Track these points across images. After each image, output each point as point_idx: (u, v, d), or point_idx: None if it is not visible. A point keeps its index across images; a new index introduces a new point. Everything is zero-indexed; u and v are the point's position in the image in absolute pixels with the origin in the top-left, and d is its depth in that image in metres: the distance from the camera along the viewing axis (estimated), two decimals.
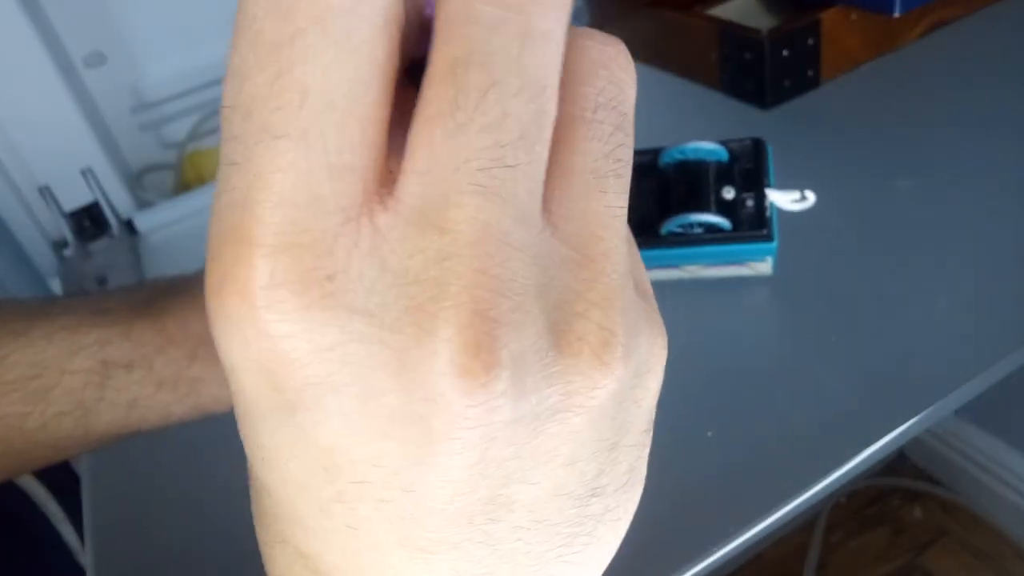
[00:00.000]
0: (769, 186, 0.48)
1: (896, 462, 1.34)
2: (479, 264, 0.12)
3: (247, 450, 0.14)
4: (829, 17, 0.66)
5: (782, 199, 0.48)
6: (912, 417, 0.41)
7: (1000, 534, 1.22)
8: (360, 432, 0.12)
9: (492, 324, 0.12)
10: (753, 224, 0.48)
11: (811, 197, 0.48)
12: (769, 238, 0.48)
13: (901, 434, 0.41)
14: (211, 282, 0.12)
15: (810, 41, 0.66)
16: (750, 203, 0.48)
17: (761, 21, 0.69)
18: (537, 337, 0.12)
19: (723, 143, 0.50)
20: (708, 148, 0.50)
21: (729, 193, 0.48)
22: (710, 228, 0.48)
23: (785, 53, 0.66)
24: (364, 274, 0.11)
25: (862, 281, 0.50)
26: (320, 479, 0.12)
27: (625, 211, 0.14)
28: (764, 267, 0.50)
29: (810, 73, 0.68)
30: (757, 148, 0.50)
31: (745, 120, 0.67)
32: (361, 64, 0.12)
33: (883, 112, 0.65)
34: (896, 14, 0.64)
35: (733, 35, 0.68)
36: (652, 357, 0.14)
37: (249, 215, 0.11)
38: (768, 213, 0.48)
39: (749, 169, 0.49)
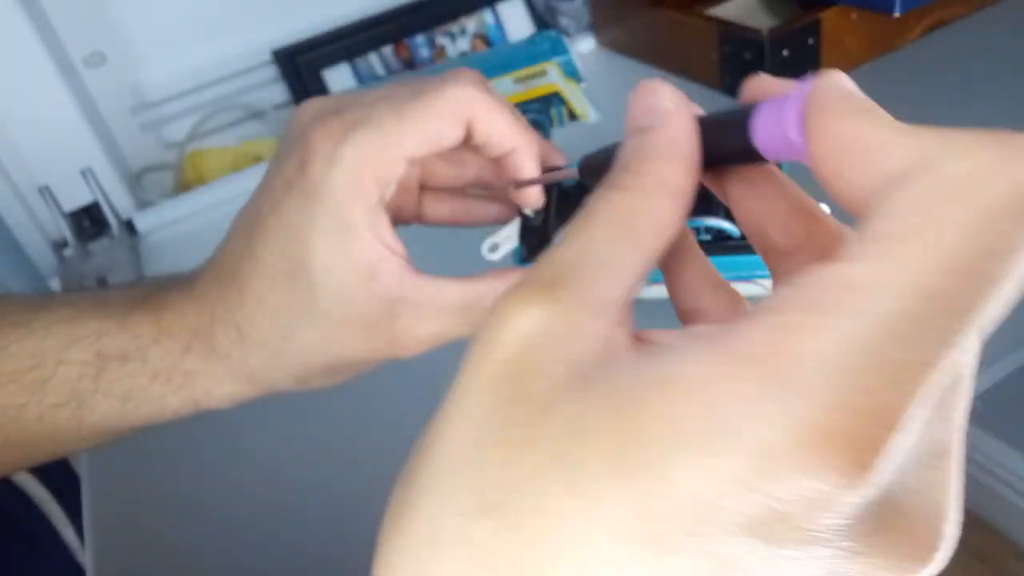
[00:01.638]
0: None
1: None
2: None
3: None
4: (829, 17, 0.66)
5: None
6: None
7: (1000, 534, 1.22)
8: None
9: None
10: None
11: (825, 211, 0.46)
12: None
13: None
14: (823, 440, 0.12)
15: (810, 41, 0.66)
16: None
17: (761, 21, 0.69)
18: None
19: None
20: None
21: None
22: (718, 236, 0.47)
23: (785, 53, 0.66)
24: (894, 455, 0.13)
25: None
26: None
27: None
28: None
29: (810, 73, 0.68)
30: None
31: None
32: None
33: None
34: (896, 14, 0.64)
35: (733, 35, 0.68)
36: None
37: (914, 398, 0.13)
38: None
39: None
